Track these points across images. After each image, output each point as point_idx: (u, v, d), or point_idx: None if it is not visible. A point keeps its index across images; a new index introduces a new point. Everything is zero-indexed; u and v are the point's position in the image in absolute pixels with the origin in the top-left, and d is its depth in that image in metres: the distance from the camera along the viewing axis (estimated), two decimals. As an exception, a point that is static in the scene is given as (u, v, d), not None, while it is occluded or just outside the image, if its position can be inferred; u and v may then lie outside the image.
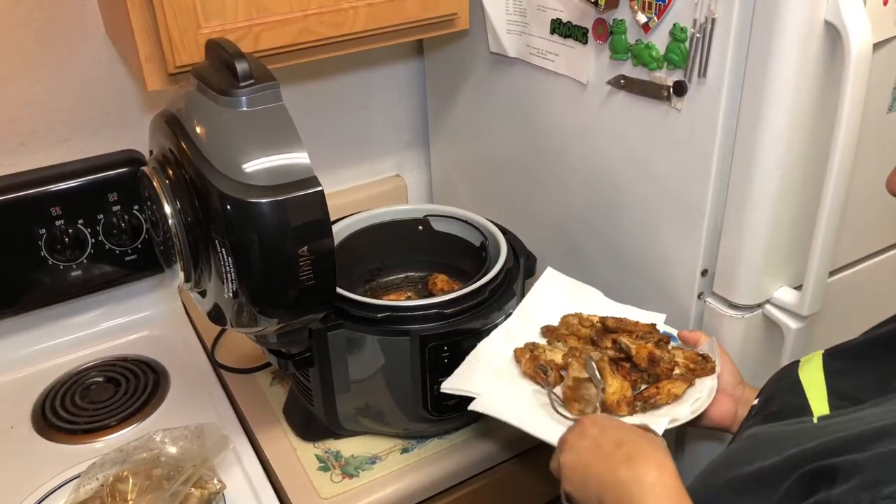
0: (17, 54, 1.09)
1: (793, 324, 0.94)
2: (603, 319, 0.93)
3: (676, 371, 0.86)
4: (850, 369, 0.67)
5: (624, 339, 0.87)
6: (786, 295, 0.94)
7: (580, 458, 0.69)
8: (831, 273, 0.96)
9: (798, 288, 0.94)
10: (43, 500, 0.94)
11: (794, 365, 0.73)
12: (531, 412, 0.84)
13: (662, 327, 0.94)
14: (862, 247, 1.04)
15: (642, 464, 0.64)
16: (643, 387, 0.85)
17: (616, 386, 0.82)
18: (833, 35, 0.80)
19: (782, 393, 0.70)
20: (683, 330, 0.92)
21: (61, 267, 1.12)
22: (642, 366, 0.85)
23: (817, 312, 0.93)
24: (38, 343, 1.18)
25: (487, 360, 0.91)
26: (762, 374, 0.82)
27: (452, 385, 0.88)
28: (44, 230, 1.09)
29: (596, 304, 0.99)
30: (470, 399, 0.86)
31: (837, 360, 0.70)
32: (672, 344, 0.91)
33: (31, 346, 1.18)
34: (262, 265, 0.75)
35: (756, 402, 0.76)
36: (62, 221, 1.10)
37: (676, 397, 0.83)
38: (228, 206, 0.73)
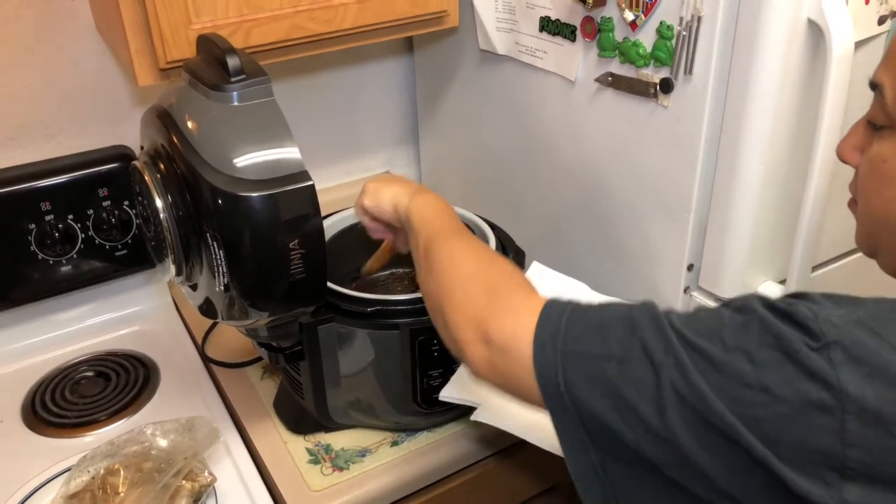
0: (6, 49, 1.09)
1: (776, 318, 0.95)
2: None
3: None
4: None
5: None
6: (770, 289, 0.96)
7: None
8: (814, 268, 0.97)
9: (782, 282, 0.95)
10: (33, 493, 0.94)
11: None
12: (530, 420, 0.85)
13: None
14: (844, 243, 1.06)
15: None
16: None
17: None
18: (816, 33, 0.81)
19: None
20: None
21: (51, 262, 1.12)
22: None
23: (800, 306, 0.94)
24: (28, 338, 1.18)
25: None
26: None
27: (450, 393, 0.90)
28: (34, 225, 1.09)
29: (583, 298, 1.00)
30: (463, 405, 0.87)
31: None
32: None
33: (21, 341, 1.18)
34: (253, 258, 0.76)
35: None
36: (52, 217, 1.10)
37: None
38: (220, 200, 0.74)
